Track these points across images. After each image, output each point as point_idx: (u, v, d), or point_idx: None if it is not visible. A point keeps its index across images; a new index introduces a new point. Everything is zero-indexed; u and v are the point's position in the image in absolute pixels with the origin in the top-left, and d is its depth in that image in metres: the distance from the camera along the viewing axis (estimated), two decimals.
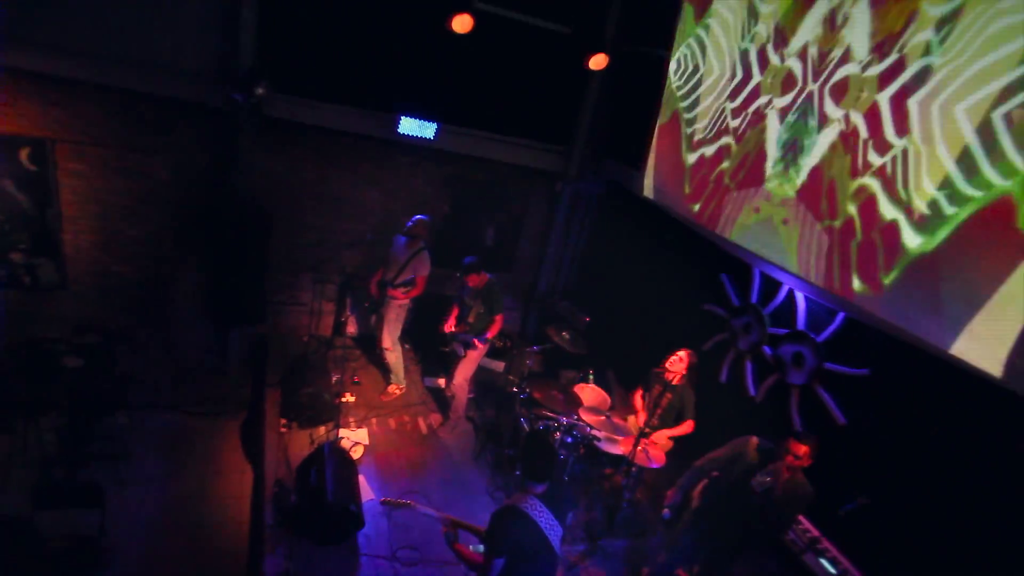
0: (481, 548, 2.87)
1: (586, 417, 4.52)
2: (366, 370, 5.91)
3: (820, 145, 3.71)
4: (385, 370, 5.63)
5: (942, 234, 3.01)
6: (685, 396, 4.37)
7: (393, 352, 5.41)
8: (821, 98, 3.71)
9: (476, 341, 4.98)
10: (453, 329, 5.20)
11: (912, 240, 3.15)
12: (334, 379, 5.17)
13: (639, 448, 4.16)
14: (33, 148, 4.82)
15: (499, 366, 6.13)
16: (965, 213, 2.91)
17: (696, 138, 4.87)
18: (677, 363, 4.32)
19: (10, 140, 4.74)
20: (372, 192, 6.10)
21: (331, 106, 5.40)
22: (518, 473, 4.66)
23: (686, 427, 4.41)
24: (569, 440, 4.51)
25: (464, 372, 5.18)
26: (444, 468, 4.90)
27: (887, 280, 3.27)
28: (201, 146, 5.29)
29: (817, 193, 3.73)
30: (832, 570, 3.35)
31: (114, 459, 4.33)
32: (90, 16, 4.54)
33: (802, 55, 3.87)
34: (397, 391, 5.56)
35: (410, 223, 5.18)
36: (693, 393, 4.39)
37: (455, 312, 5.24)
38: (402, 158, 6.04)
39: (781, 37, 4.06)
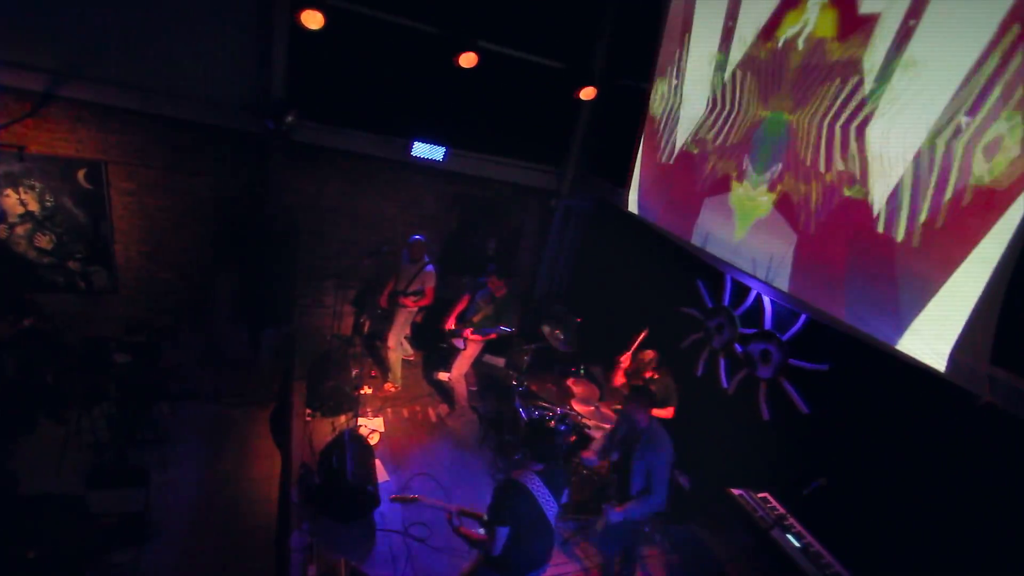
0: (483, 530, 2.84)
1: (577, 407, 4.51)
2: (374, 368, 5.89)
3: None
4: (385, 369, 5.60)
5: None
6: (668, 386, 4.35)
7: (395, 352, 5.40)
8: None
9: (467, 332, 4.98)
10: (453, 327, 5.19)
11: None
12: (354, 373, 5.17)
13: None
14: (89, 169, 4.85)
15: (500, 362, 6.13)
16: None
17: (672, 155, 4.89)
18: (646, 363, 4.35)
19: (70, 162, 4.77)
20: (388, 208, 6.12)
21: (352, 131, 5.44)
22: (518, 457, 4.65)
23: (667, 412, 4.35)
24: (562, 428, 4.50)
25: (460, 366, 5.19)
26: (451, 452, 4.89)
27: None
28: (237, 167, 5.32)
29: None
30: (797, 544, 3.33)
31: (158, 444, 4.32)
32: (139, 54, 4.59)
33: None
34: (392, 388, 5.50)
35: (409, 243, 5.19)
36: (672, 381, 4.36)
37: (458, 309, 5.21)
38: (415, 178, 6.06)
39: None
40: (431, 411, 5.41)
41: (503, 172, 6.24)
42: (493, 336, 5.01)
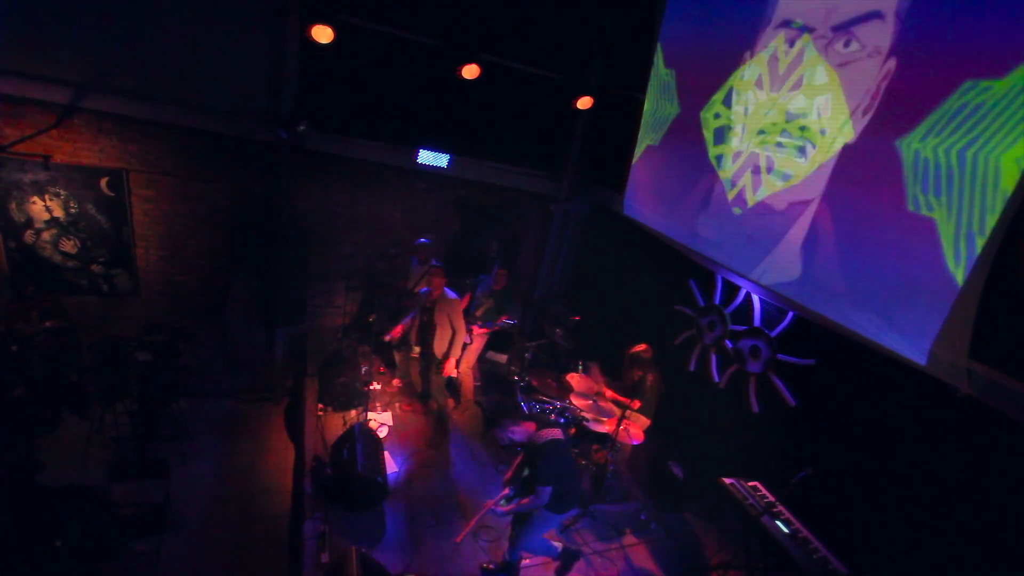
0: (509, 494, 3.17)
1: (576, 402, 4.52)
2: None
3: None
4: (393, 366, 5.60)
5: None
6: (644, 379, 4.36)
7: (399, 351, 5.40)
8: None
9: (474, 327, 4.98)
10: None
11: None
12: (363, 370, 5.18)
13: (621, 427, 4.15)
14: (111, 177, 4.87)
15: (503, 358, 6.14)
16: None
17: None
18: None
19: (93, 171, 4.80)
20: (395, 212, 6.13)
21: (361, 140, 5.45)
22: (519, 448, 4.65)
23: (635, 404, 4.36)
24: (562, 421, 4.51)
25: (467, 361, 5.18)
26: (456, 445, 4.89)
27: None
28: (251, 174, 5.34)
29: None
30: (785, 530, 3.34)
31: (178, 438, 4.34)
32: (158, 68, 4.60)
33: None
34: (399, 384, 5.52)
35: (415, 246, 5.19)
36: (649, 373, 4.37)
37: (466, 300, 5.20)
38: (420, 184, 6.08)
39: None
40: (436, 405, 5.41)
41: (505, 178, 6.26)
42: (498, 328, 5.01)
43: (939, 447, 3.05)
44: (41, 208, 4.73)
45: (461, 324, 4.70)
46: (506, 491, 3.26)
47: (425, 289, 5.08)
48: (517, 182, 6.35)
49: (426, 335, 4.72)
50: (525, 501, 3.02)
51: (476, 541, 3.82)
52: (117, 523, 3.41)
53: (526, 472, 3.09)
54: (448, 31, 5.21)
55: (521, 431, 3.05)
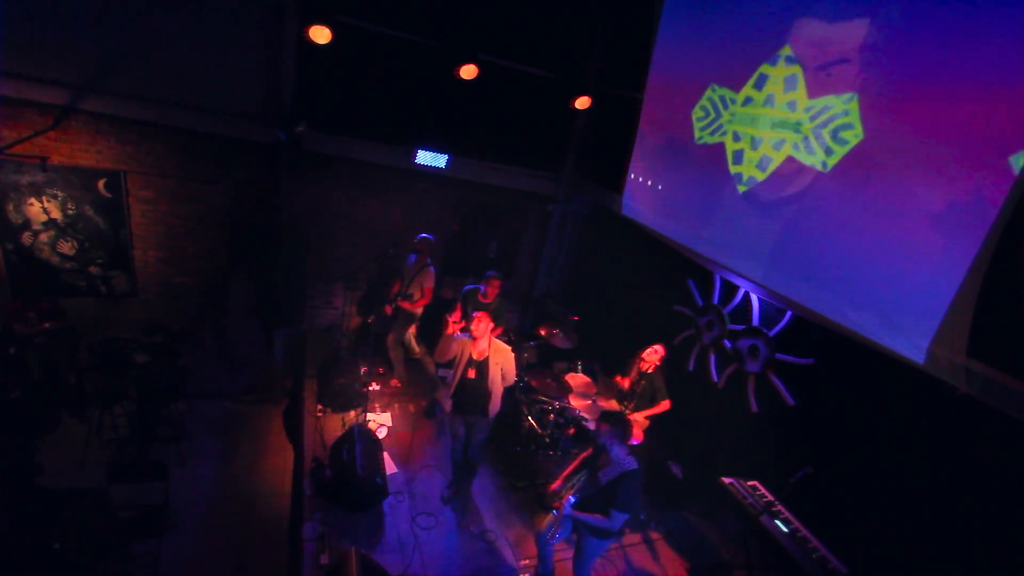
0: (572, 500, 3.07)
1: (575, 401, 4.51)
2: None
3: None
4: (391, 366, 5.57)
5: None
6: (656, 381, 4.33)
7: (395, 351, 5.39)
8: None
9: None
10: (458, 332, 5.15)
11: None
12: (362, 371, 5.17)
13: None
14: (109, 179, 4.85)
15: None
16: None
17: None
18: (652, 354, 4.31)
19: (90, 172, 4.78)
20: (394, 213, 6.12)
21: (359, 141, 5.44)
22: (519, 449, 4.65)
23: (663, 406, 4.31)
24: (561, 421, 4.50)
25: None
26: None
27: None
28: (250, 175, 5.32)
29: None
30: (785, 529, 3.34)
31: (176, 440, 4.32)
32: (155, 69, 4.59)
33: None
34: (396, 384, 5.51)
35: (416, 240, 5.17)
36: (663, 378, 4.33)
37: (458, 312, 5.21)
38: (419, 184, 6.07)
39: None
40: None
41: (503, 178, 6.25)
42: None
43: (937, 446, 3.05)
44: (39, 210, 4.71)
45: (513, 374, 3.90)
46: (568, 496, 3.11)
47: (415, 289, 5.00)
48: (516, 182, 6.34)
49: (473, 397, 3.74)
50: (598, 517, 2.92)
51: (475, 543, 3.82)
52: (116, 525, 3.38)
53: (582, 478, 3.08)
54: (446, 31, 5.20)
55: (619, 450, 2.96)
